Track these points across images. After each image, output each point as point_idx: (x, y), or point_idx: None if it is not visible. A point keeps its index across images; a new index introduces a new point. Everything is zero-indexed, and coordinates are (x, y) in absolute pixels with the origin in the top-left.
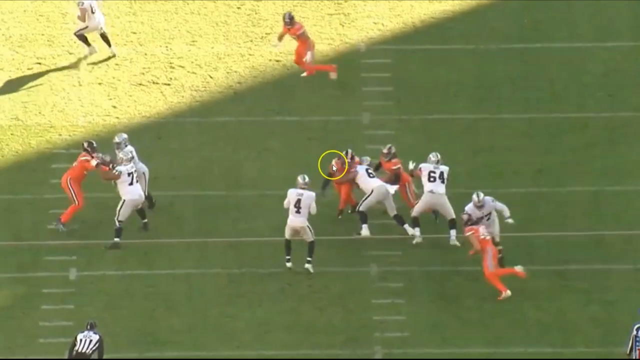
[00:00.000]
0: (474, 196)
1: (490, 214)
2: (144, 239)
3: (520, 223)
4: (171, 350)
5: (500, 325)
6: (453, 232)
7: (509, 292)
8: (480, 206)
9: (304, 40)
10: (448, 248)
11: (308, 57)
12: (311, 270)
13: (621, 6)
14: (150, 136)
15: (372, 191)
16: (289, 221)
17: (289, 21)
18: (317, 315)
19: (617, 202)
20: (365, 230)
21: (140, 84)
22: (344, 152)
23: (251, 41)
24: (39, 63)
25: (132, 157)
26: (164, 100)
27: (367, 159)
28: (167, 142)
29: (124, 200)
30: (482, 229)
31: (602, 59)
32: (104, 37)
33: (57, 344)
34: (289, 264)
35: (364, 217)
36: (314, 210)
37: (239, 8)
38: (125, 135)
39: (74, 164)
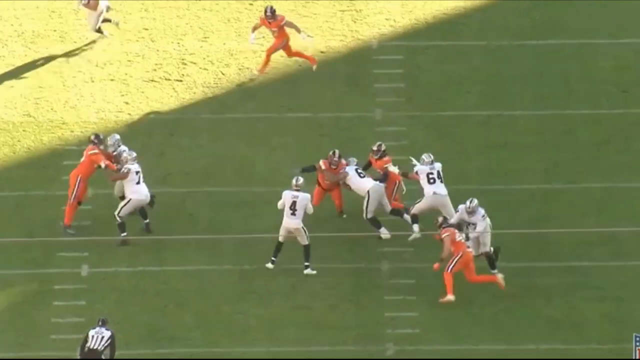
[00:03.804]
0: (468, 201)
1: (475, 225)
2: (155, 236)
3: (533, 220)
4: (182, 347)
5: (511, 322)
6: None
7: (452, 298)
8: (470, 212)
9: (282, 34)
10: None
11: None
12: (313, 273)
13: (634, 2)
14: (162, 133)
15: (368, 193)
16: (284, 222)
17: (271, 14)
18: (329, 312)
19: (630, 199)
20: (384, 233)
21: (152, 81)
22: (331, 152)
23: (263, 37)
24: (52, 59)
25: (135, 157)
26: (176, 97)
27: (354, 159)
28: (179, 138)
29: (130, 199)
30: (458, 233)
31: (615, 55)
32: (106, 19)
33: (69, 340)
34: (270, 265)
35: (376, 223)
36: (310, 210)
37: (251, 4)
38: (117, 137)
39: (82, 160)
